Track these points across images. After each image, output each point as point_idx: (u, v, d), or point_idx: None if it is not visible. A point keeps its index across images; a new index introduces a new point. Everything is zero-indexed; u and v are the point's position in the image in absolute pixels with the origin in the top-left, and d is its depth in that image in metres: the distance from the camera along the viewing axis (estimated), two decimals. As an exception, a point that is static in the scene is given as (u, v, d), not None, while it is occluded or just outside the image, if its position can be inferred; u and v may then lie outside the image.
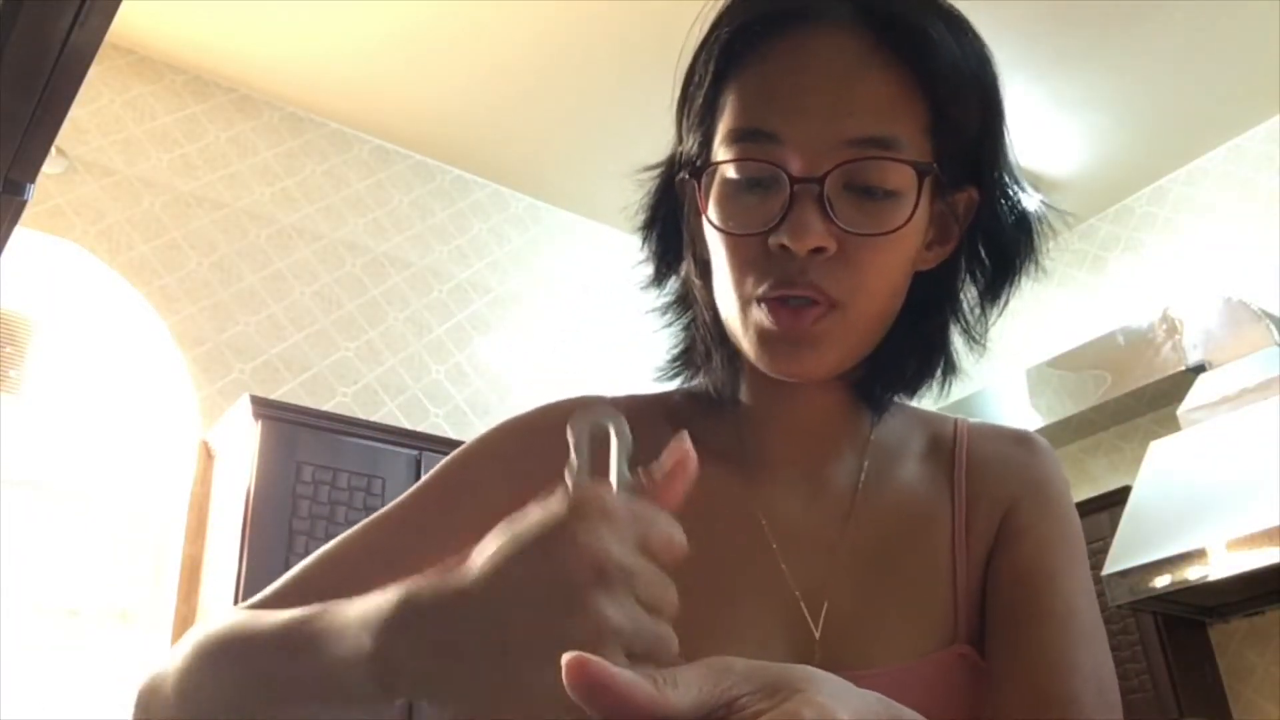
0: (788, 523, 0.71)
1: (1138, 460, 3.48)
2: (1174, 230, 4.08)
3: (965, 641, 0.67)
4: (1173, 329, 3.70)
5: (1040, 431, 2.82)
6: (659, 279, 0.76)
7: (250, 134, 3.53)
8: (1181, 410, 3.47)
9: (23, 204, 1.03)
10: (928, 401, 0.78)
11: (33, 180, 1.01)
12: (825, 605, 0.68)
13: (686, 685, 0.36)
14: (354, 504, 2.72)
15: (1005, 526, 0.71)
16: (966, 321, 0.73)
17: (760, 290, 0.63)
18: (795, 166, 0.62)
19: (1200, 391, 3.46)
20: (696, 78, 0.68)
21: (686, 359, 0.76)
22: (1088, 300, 4.26)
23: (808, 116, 0.62)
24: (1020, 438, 0.77)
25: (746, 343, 0.65)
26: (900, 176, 0.62)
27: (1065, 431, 3.95)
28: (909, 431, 0.77)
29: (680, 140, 0.71)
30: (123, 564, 2.94)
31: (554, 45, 3.35)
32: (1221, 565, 2.93)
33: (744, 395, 0.74)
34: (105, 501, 2.97)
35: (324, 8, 3.22)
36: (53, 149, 1.04)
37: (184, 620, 2.78)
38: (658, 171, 0.75)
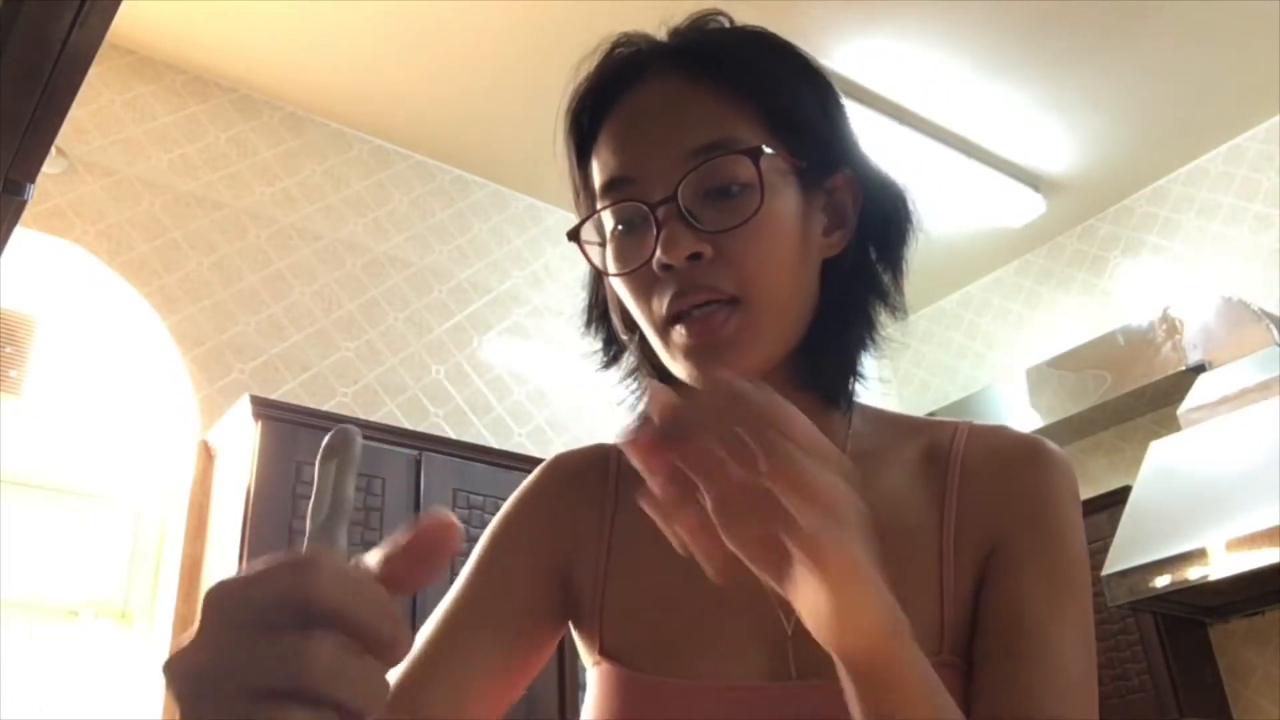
0: None
1: (1138, 460, 3.48)
2: (1174, 230, 4.08)
3: (952, 653, 0.66)
4: (1173, 329, 3.70)
5: (1040, 432, 2.82)
6: (612, 360, 0.81)
7: (250, 134, 3.53)
8: (1181, 410, 3.47)
9: (23, 204, 1.03)
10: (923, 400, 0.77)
11: (33, 180, 1.01)
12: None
13: None
14: (354, 504, 2.71)
15: (998, 554, 0.68)
16: (882, 291, 0.75)
17: (663, 310, 0.68)
18: (656, 195, 0.68)
19: (1200, 391, 3.46)
20: (568, 165, 0.77)
21: None
22: (1088, 300, 4.27)
23: (649, 150, 0.69)
24: (1025, 451, 0.72)
25: (677, 367, 0.69)
26: (746, 169, 0.67)
27: (1065, 431, 3.96)
28: (897, 440, 0.76)
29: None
30: (123, 564, 2.94)
31: (555, 45, 3.36)
32: (1221, 565, 2.93)
33: None
34: (105, 501, 2.97)
35: (325, 8, 3.22)
36: (53, 149, 1.04)
37: (184, 620, 2.78)
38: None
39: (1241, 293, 3.64)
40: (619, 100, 0.72)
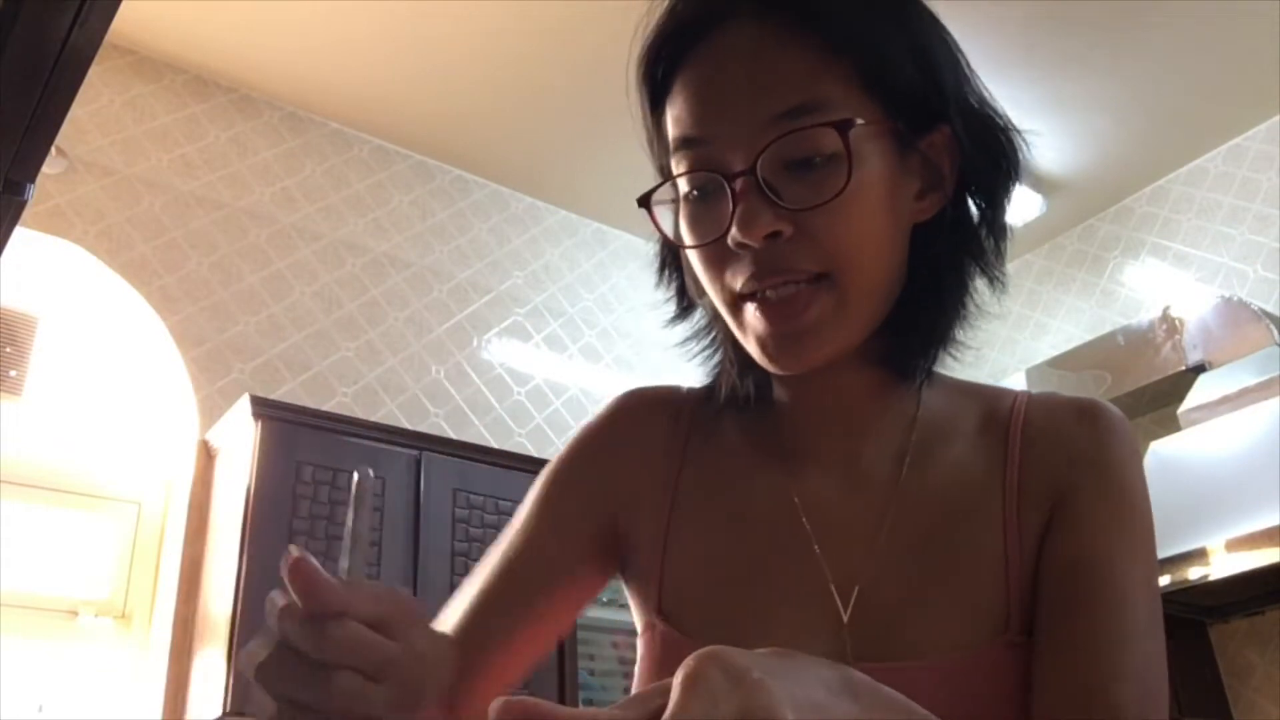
0: (826, 509, 0.70)
1: (1138, 460, 3.48)
2: (1174, 230, 4.08)
3: (1020, 632, 0.64)
4: (1173, 329, 3.70)
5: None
6: (683, 313, 0.76)
7: (250, 134, 3.53)
8: (1181, 410, 3.47)
9: (23, 204, 1.03)
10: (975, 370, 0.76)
11: (33, 180, 1.01)
12: (856, 591, 0.67)
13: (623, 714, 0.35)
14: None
15: (1062, 510, 0.67)
16: (985, 259, 0.70)
17: (738, 286, 0.64)
18: (734, 163, 0.62)
19: (1200, 391, 3.46)
20: (638, 113, 0.71)
21: (720, 381, 0.77)
22: (1087, 300, 4.26)
23: (728, 112, 0.63)
24: (1083, 410, 0.70)
25: (749, 346, 0.66)
26: (833, 140, 0.61)
27: (1065, 431, 3.95)
28: (961, 408, 0.74)
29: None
30: (123, 564, 2.94)
31: (555, 45, 3.36)
32: (1221, 565, 2.93)
33: (778, 392, 0.75)
34: (105, 501, 2.97)
35: (324, 8, 3.22)
36: (53, 149, 1.04)
37: (184, 620, 2.78)
38: None
39: (1241, 293, 3.64)
40: (696, 46, 0.66)
